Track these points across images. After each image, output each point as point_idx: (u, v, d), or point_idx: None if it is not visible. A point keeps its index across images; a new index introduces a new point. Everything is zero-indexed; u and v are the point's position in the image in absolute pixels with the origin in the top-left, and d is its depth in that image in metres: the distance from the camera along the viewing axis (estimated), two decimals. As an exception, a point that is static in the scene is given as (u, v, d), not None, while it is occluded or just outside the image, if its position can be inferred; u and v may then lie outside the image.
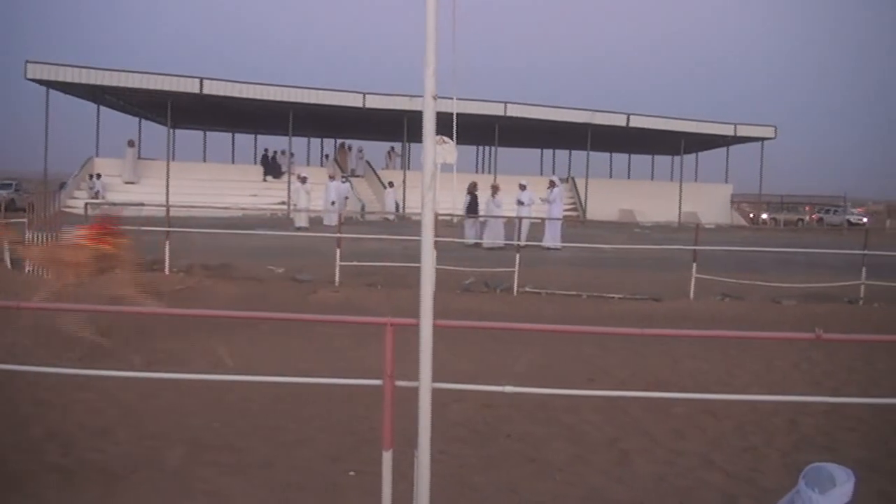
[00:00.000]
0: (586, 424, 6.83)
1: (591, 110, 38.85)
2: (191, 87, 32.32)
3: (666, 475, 5.80)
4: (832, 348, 9.60)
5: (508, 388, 3.91)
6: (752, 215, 46.88)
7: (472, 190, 22.93)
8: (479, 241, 20.93)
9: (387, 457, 3.60)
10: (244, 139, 48.94)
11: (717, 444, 6.48)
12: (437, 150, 11.51)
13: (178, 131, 43.35)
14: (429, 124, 3.29)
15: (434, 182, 3.34)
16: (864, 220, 46.88)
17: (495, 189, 22.50)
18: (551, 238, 21.05)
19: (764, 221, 46.07)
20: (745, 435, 6.71)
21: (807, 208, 53.13)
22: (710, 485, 5.63)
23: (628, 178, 51.10)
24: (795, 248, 19.53)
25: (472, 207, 22.54)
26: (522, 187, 22.29)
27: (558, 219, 22.40)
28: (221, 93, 33.01)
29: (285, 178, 35.57)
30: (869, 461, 6.19)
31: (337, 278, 13.79)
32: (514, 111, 37.24)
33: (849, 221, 45.63)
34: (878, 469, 6.05)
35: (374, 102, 35.22)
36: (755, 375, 8.74)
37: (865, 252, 14.87)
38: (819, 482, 2.88)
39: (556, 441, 6.41)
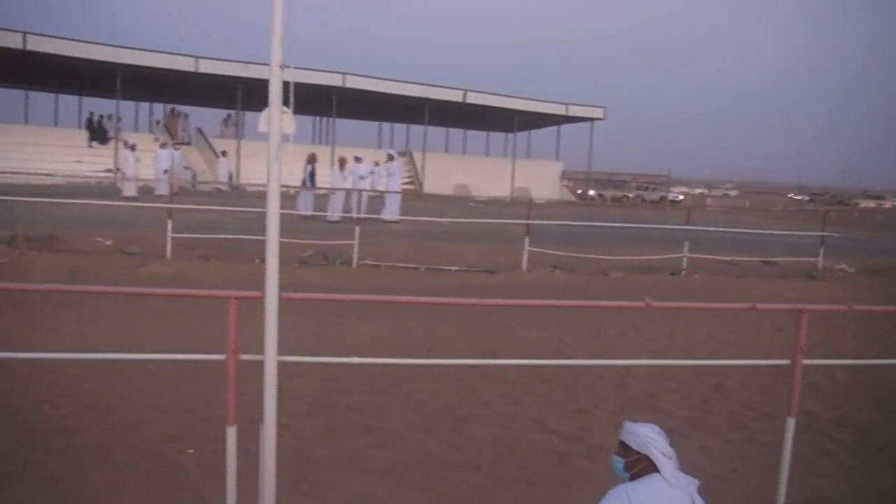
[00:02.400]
0: (424, 393, 7.00)
1: (428, 85, 39.13)
2: (13, 41, 29.85)
3: (502, 438, 6.05)
4: (655, 316, 10.23)
5: (356, 360, 3.94)
6: (579, 192, 48.93)
7: (311, 161, 22.57)
8: (313, 213, 20.63)
9: (231, 432, 3.53)
10: (68, 101, 45.79)
11: (550, 407, 6.81)
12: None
13: (-3, 90, 40.05)
14: (275, 94, 3.21)
15: (280, 153, 3.28)
16: (681, 197, 50.28)
17: (342, 162, 22.29)
18: (390, 211, 21.16)
19: (591, 197, 48.16)
20: (575, 398, 7.09)
21: (632, 184, 56.42)
22: (544, 445, 5.93)
23: (464, 153, 51.90)
24: (622, 223, 20.52)
25: (312, 179, 22.28)
26: (358, 160, 22.10)
27: (397, 192, 22.49)
28: (46, 49, 30.70)
29: (112, 144, 33.69)
30: (692, 419, 6.71)
31: (169, 251, 13.27)
32: (353, 83, 36.93)
33: (669, 199, 48.94)
34: (700, 426, 6.58)
35: (207, 67, 33.94)
36: (585, 343, 9.20)
37: (688, 227, 15.91)
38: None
39: (396, 410, 6.54)
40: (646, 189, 55.17)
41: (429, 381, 7.27)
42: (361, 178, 21.80)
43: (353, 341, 8.66)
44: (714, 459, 5.78)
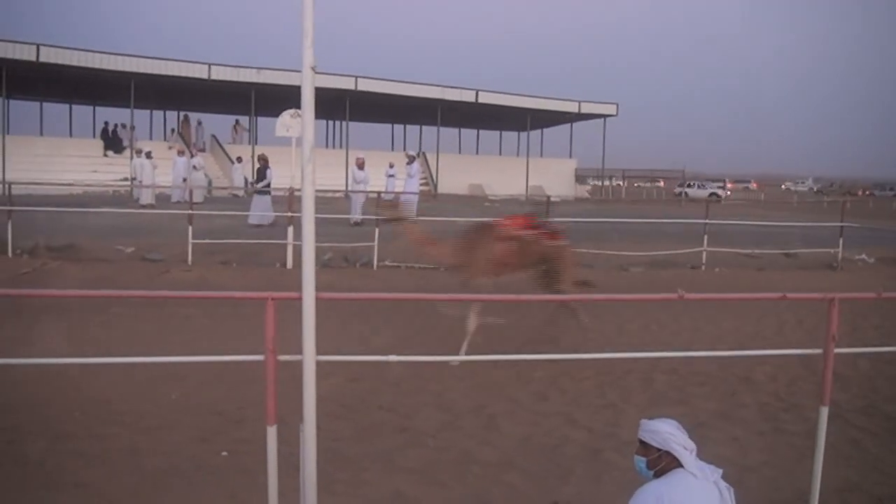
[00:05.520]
0: (453, 392, 7.03)
1: (441, 86, 39.17)
2: (27, 54, 30.08)
3: (532, 435, 6.08)
4: (681, 310, 10.19)
5: (393, 358, 3.98)
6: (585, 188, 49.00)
7: (262, 161, 20.23)
8: (262, 219, 18.65)
9: (271, 432, 3.57)
10: (82, 111, 45.95)
11: (578, 403, 6.84)
12: (290, 123, 11.26)
13: (11, 102, 40.14)
14: (307, 97, 3.25)
15: (313, 155, 3.32)
16: (729, 192, 49.84)
17: (361, 162, 21.16)
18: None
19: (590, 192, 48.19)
20: (603, 393, 7.10)
21: (660, 182, 56.10)
22: (575, 441, 5.95)
23: (477, 153, 51.89)
24: (640, 218, 20.51)
25: (261, 180, 20.12)
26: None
27: (414, 193, 22.47)
28: (60, 61, 30.89)
29: (127, 152, 33.90)
30: (721, 412, 6.71)
31: (190, 257, 13.37)
32: (365, 85, 36.99)
33: (715, 195, 48.66)
34: (730, 418, 6.58)
35: (219, 74, 34.08)
36: (608, 338, 9.20)
37: (707, 221, 15.89)
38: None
39: (426, 409, 6.57)
40: (689, 186, 53.82)
41: (455, 380, 7.32)
42: (390, 176, 21.59)
43: (377, 342, 8.71)
44: (744, 451, 5.80)
